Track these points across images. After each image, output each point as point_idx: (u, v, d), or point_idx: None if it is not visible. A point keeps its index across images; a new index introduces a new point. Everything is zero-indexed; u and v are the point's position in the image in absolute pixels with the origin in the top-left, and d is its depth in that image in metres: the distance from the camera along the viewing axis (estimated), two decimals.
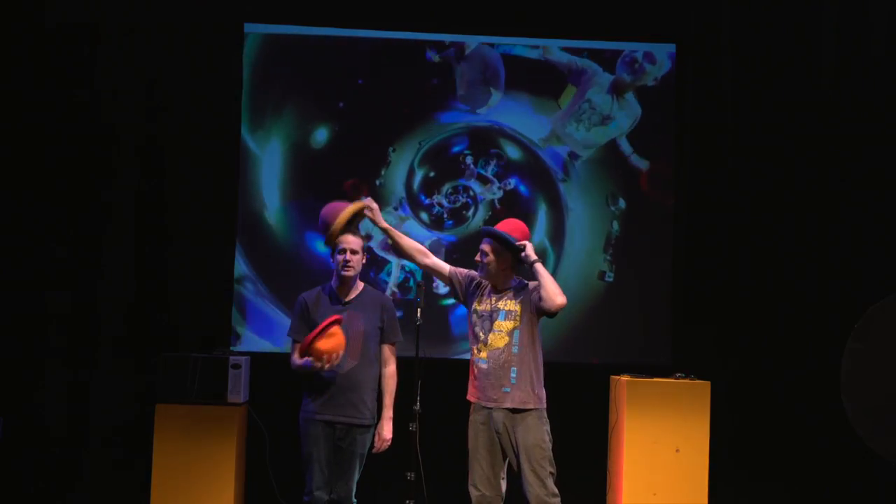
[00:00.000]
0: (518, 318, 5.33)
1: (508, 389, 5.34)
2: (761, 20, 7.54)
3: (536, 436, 5.33)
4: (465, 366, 5.63)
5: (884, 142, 7.41)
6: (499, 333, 5.34)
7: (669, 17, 7.59)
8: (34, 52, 7.19)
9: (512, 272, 5.43)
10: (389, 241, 5.49)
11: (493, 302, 5.39)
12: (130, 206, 7.29)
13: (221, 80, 7.35)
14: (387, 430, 5.56)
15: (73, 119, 7.24)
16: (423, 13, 7.42)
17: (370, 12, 7.41)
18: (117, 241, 7.26)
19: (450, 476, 6.23)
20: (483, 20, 7.46)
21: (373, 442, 5.56)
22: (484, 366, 5.37)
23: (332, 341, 5.10)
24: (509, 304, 5.36)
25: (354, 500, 5.53)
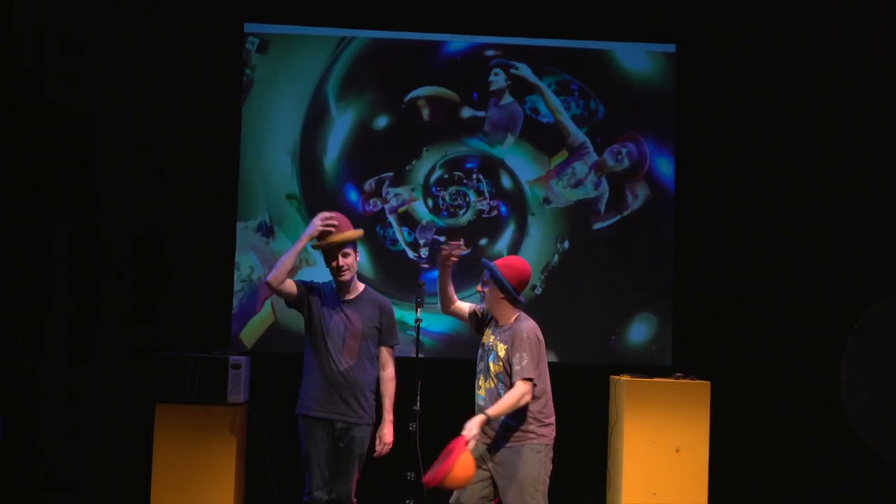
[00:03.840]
0: (501, 363, 5.19)
1: (497, 430, 5.19)
2: (761, 20, 7.54)
3: (531, 468, 5.15)
4: (465, 366, 5.61)
5: (884, 142, 7.41)
6: (489, 375, 5.24)
7: (669, 17, 7.60)
8: (34, 53, 7.19)
9: (511, 305, 5.28)
10: (439, 279, 5.38)
11: (492, 339, 5.28)
12: (130, 205, 7.30)
13: (221, 80, 7.37)
14: (387, 433, 5.55)
15: (74, 119, 7.25)
16: (425, 14, 7.44)
17: (370, 12, 7.46)
18: (117, 241, 7.27)
19: None
20: (484, 20, 7.49)
21: (373, 444, 5.56)
22: (481, 402, 5.28)
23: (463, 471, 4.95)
24: (500, 347, 5.22)
25: (354, 500, 5.53)
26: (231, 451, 6.76)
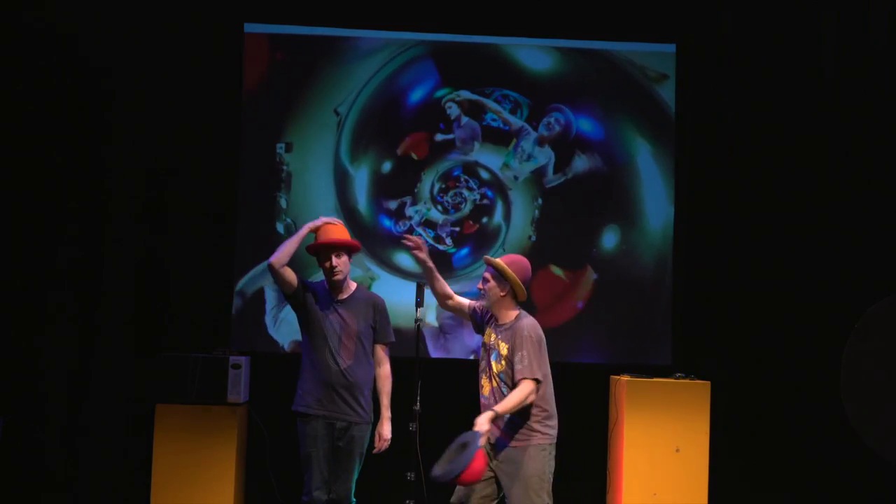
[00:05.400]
0: (503, 362, 5.21)
1: (501, 428, 5.19)
2: (761, 20, 7.54)
3: (535, 466, 5.17)
4: (465, 366, 5.62)
5: (884, 142, 7.40)
6: (492, 374, 5.25)
7: (669, 17, 7.60)
8: (34, 54, 7.19)
9: (513, 303, 5.31)
10: (425, 277, 5.48)
11: (494, 338, 5.30)
12: (131, 206, 7.30)
13: (222, 81, 7.38)
14: (386, 430, 5.57)
15: (75, 119, 7.24)
16: (424, 13, 7.46)
17: (370, 13, 7.47)
18: (118, 241, 7.27)
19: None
20: (484, 20, 7.52)
21: (372, 442, 5.56)
22: (484, 401, 5.29)
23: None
24: (502, 347, 5.24)
25: (353, 500, 5.53)
26: (231, 451, 6.76)
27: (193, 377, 6.75)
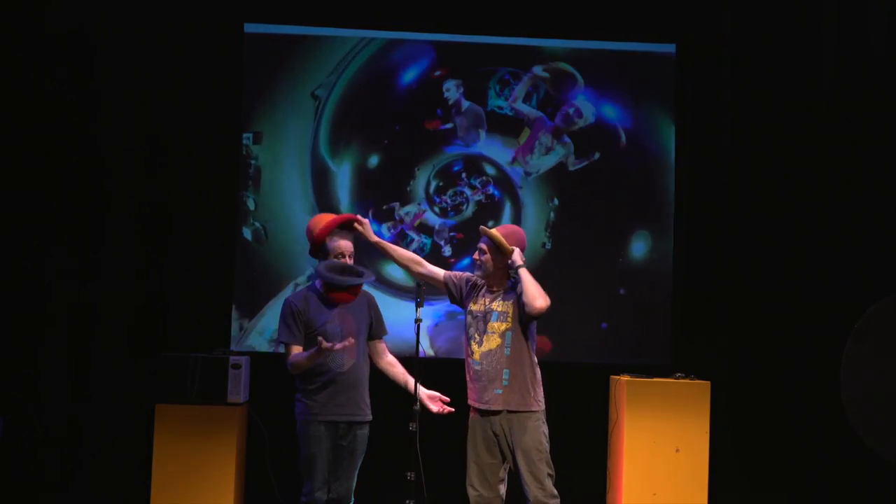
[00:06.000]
0: (510, 319, 5.37)
1: (500, 391, 5.35)
2: (761, 20, 7.54)
3: (534, 437, 5.34)
4: (464, 365, 5.62)
5: (884, 142, 7.40)
6: (491, 335, 5.36)
7: (669, 17, 7.60)
8: (34, 54, 7.19)
9: (507, 272, 5.50)
10: (383, 254, 5.64)
11: (487, 303, 5.43)
12: (131, 206, 7.30)
13: (221, 81, 7.37)
14: (429, 392, 5.51)
15: (75, 120, 7.24)
16: (422, 13, 7.45)
17: (370, 13, 7.46)
18: (118, 242, 7.27)
19: (450, 476, 6.22)
20: (485, 20, 7.51)
21: (372, 442, 5.56)
22: (477, 367, 5.39)
23: None
24: (502, 306, 5.39)
25: (353, 500, 5.53)
26: (231, 451, 6.76)
27: (193, 377, 6.75)
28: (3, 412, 6.96)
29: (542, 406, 5.42)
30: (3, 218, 7.14)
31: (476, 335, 5.41)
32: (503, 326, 5.33)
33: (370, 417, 5.54)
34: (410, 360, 5.54)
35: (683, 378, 7.07)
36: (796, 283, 7.44)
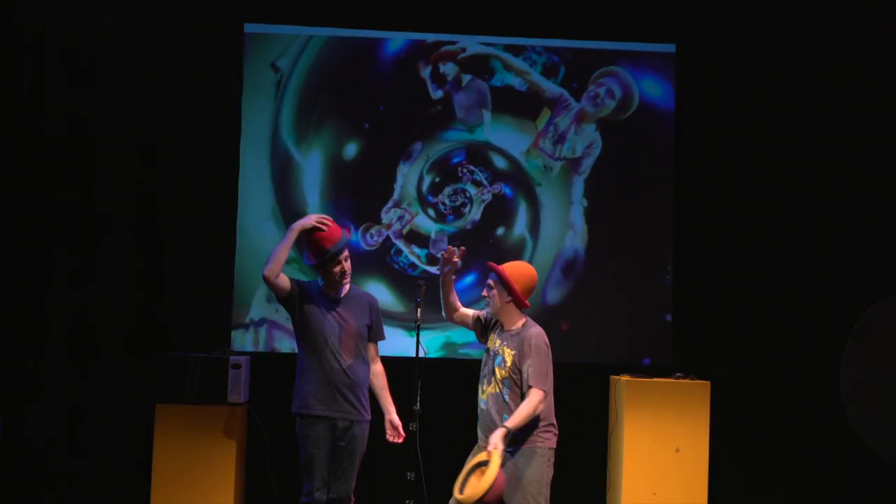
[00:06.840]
0: (507, 369, 5.16)
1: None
2: (761, 20, 7.54)
3: (534, 471, 5.15)
4: (465, 366, 5.61)
5: (884, 142, 7.41)
6: (494, 379, 5.20)
7: (669, 17, 7.60)
8: (34, 55, 7.20)
9: (517, 310, 5.24)
10: (441, 289, 5.32)
11: (498, 344, 5.24)
12: (130, 206, 7.30)
13: (221, 81, 7.37)
14: (396, 418, 5.54)
15: (74, 120, 7.24)
16: (422, 13, 7.45)
17: (370, 13, 7.47)
18: (117, 242, 7.27)
19: (450, 476, 6.21)
20: (485, 21, 7.50)
21: (372, 442, 5.56)
22: (483, 406, 5.27)
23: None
24: (506, 352, 5.18)
25: (353, 500, 5.53)
26: (231, 451, 6.76)
27: (193, 377, 6.75)
28: (3, 412, 6.97)
29: (548, 444, 5.20)
30: (3, 218, 7.14)
31: (488, 374, 5.26)
32: (502, 374, 5.17)
33: (369, 417, 5.53)
34: (410, 361, 5.53)
35: (683, 378, 7.07)
36: (796, 283, 7.44)
